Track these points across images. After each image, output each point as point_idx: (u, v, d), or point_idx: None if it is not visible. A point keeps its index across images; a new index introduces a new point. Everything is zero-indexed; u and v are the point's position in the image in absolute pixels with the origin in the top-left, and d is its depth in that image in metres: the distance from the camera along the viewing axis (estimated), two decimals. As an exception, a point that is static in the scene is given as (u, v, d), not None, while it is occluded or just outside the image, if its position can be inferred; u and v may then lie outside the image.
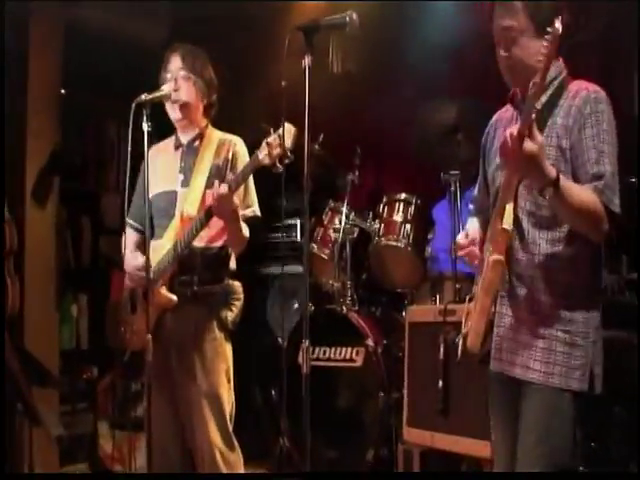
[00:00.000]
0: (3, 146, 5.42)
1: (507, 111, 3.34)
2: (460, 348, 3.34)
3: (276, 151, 3.62)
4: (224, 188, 3.74)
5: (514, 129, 2.77)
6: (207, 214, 3.88)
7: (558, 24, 2.68)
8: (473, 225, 3.47)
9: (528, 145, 2.74)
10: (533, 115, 2.77)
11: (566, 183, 2.84)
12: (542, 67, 2.75)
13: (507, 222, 3.00)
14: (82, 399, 6.11)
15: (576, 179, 2.97)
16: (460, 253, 3.30)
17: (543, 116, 3.05)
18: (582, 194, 2.89)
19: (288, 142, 3.56)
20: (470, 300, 3.33)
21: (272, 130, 3.66)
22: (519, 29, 3.06)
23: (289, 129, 3.55)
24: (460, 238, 3.32)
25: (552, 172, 2.80)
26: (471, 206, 3.66)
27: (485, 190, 3.43)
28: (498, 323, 3.14)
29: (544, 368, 2.99)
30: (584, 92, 3.03)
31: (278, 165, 3.64)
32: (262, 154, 3.68)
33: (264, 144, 3.67)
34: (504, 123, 3.31)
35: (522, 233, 3.07)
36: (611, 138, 2.99)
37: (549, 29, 2.71)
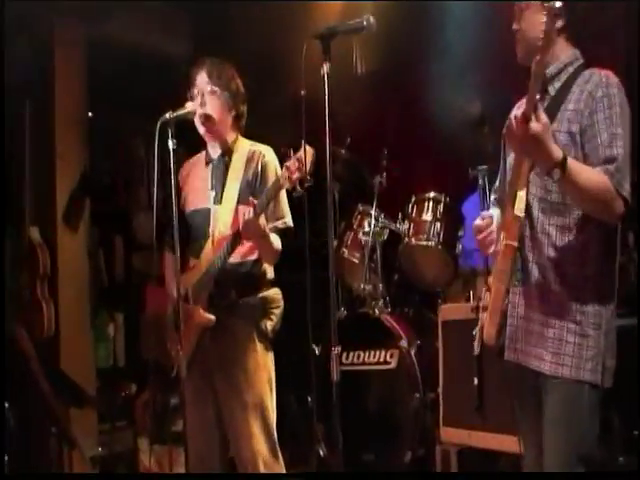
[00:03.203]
0: (4, 162, 5.47)
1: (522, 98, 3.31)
2: (477, 340, 3.33)
3: (295, 175, 3.57)
4: (249, 213, 3.74)
5: (519, 111, 2.75)
6: (235, 238, 3.88)
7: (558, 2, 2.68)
8: (495, 215, 3.42)
9: (533, 125, 2.72)
10: (537, 95, 2.75)
11: (574, 164, 2.82)
12: (542, 44, 2.74)
13: (519, 208, 3.00)
14: (121, 416, 6.14)
15: (588, 163, 2.94)
16: (478, 237, 3.23)
17: (557, 102, 3.05)
18: (592, 176, 2.87)
19: (308, 165, 3.51)
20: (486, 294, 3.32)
21: (292, 152, 3.61)
22: (526, 3, 3.12)
23: (308, 151, 3.49)
24: (477, 220, 3.26)
25: (558, 153, 2.78)
26: (493, 197, 3.62)
27: (505, 180, 3.40)
28: (511, 313, 3.13)
29: (554, 359, 2.98)
30: (596, 77, 3.02)
31: (299, 188, 3.61)
32: (282, 179, 3.65)
33: (284, 168, 3.65)
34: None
35: (532, 221, 3.06)
36: (623, 121, 2.97)
37: (546, 4, 2.72)
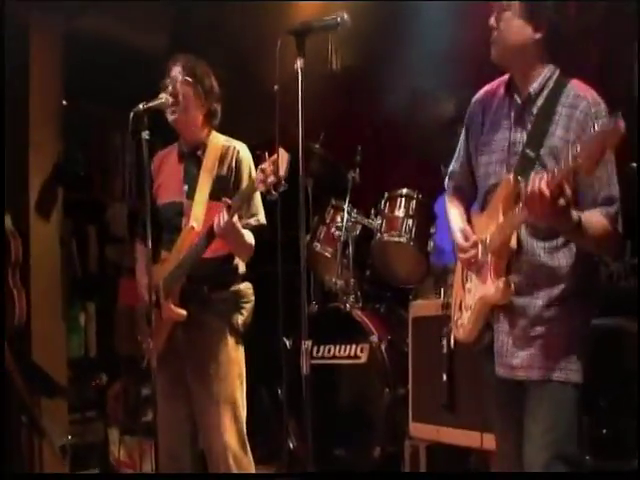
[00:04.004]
0: (3, 157, 5.45)
1: (494, 94, 3.32)
2: (452, 340, 3.36)
3: (270, 179, 3.56)
4: (224, 213, 3.75)
5: (543, 185, 2.67)
6: (208, 236, 3.90)
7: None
8: (461, 219, 3.44)
9: (561, 202, 2.68)
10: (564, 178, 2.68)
11: (586, 221, 2.83)
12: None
13: (513, 241, 3.05)
14: (92, 407, 6.13)
15: (580, 198, 2.97)
16: (463, 257, 3.26)
17: (542, 125, 3.05)
18: (597, 224, 2.91)
19: (282, 169, 3.50)
20: (464, 294, 3.35)
21: (267, 155, 3.62)
22: (507, 3, 3.09)
23: (283, 155, 3.49)
24: (459, 238, 3.29)
25: (576, 218, 2.79)
26: (449, 182, 3.62)
27: (467, 168, 3.43)
28: (497, 329, 3.16)
29: (544, 364, 3.01)
30: (584, 104, 3.00)
31: (273, 192, 3.62)
32: (257, 182, 3.65)
33: (259, 170, 3.65)
34: (494, 109, 3.29)
35: (521, 244, 3.08)
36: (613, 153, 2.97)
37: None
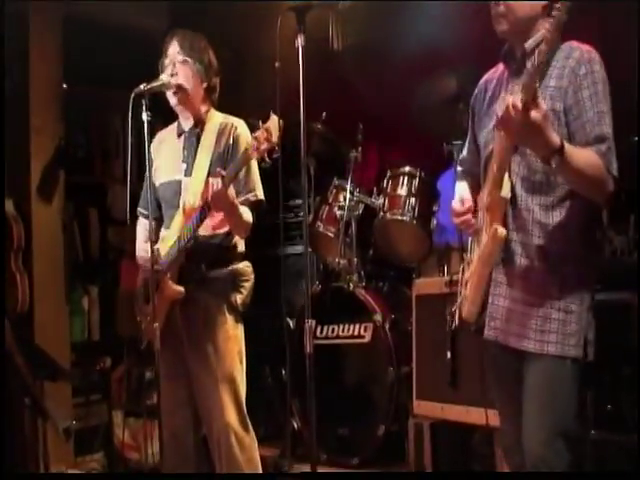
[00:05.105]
0: (3, 143, 5.44)
1: (496, 71, 3.30)
2: (457, 317, 3.33)
3: (263, 146, 3.56)
4: (218, 184, 3.74)
5: (516, 99, 2.67)
6: (204, 209, 3.88)
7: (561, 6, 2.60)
8: (465, 189, 3.42)
9: (533, 114, 2.65)
10: (537, 84, 2.67)
11: (571, 149, 2.79)
12: (544, 47, 2.66)
13: (505, 190, 2.98)
14: (96, 390, 6.15)
15: (573, 141, 2.92)
16: (457, 221, 3.26)
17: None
18: (587, 159, 2.85)
19: (274, 135, 3.50)
20: (465, 268, 3.33)
21: (260, 123, 3.61)
22: None
23: (275, 122, 3.50)
24: (456, 204, 3.28)
25: (557, 140, 2.74)
26: (459, 168, 3.61)
27: (475, 152, 3.41)
28: (493, 291, 3.12)
29: (539, 337, 2.98)
30: (577, 52, 2.98)
31: (267, 160, 3.61)
32: (251, 149, 3.64)
33: (252, 138, 3.64)
34: (495, 83, 3.27)
35: (516, 200, 3.04)
36: (606, 99, 2.96)
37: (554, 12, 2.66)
